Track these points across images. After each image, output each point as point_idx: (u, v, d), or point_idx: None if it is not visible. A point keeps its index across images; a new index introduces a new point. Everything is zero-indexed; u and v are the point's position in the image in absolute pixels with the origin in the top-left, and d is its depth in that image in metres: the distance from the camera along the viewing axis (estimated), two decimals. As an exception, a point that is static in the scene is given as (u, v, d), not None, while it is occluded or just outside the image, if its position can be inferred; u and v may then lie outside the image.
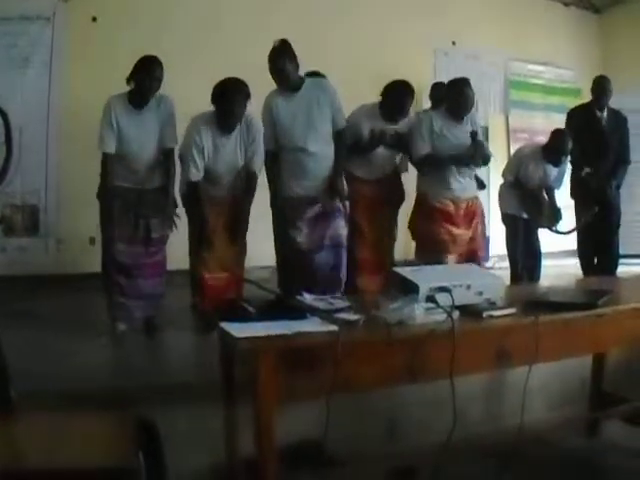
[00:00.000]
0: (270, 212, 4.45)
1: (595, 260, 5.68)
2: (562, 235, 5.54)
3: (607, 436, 2.77)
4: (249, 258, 4.44)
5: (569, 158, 5.45)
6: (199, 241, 4.22)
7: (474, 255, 4.66)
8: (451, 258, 4.58)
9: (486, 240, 4.85)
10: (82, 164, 4.85)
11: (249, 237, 4.38)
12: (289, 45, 4.14)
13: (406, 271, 2.19)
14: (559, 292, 2.58)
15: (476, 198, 4.78)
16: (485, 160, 4.67)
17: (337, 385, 1.74)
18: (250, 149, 4.24)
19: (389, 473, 2.26)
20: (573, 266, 5.96)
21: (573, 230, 5.61)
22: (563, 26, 8.41)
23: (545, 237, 5.61)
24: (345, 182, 4.39)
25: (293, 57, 4.14)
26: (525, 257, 5.31)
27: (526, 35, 7.91)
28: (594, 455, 2.66)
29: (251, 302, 2.10)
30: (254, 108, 4.28)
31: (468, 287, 2.10)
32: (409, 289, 2.05)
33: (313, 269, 4.32)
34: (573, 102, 5.90)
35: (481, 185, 5.15)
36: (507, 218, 5.36)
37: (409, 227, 4.81)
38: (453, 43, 7.66)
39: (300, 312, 2.02)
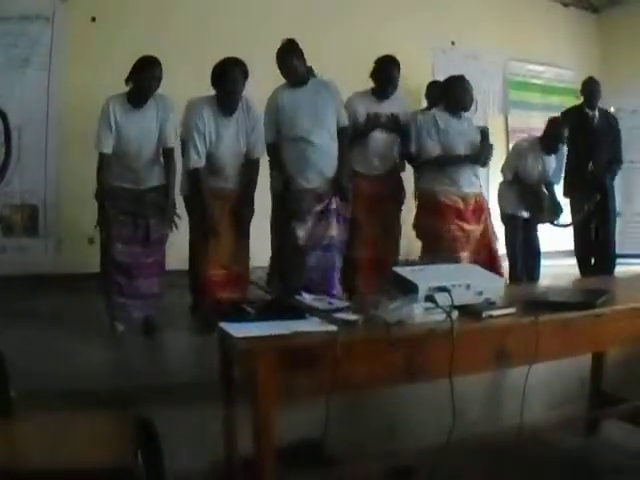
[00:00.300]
0: (270, 211, 4.46)
1: (592, 260, 5.70)
2: (562, 228, 5.55)
3: (606, 436, 2.77)
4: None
5: (565, 149, 5.47)
6: (203, 234, 4.17)
7: (489, 250, 4.66)
8: (464, 256, 4.52)
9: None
10: (81, 164, 4.83)
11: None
12: (297, 43, 4.30)
13: (405, 271, 2.19)
14: (558, 292, 2.58)
15: (481, 194, 4.80)
16: (488, 161, 4.72)
17: (336, 385, 1.74)
18: (252, 135, 4.23)
19: (388, 472, 2.26)
20: (570, 266, 5.97)
21: (575, 222, 5.63)
22: (562, 26, 8.42)
23: (543, 236, 5.62)
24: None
25: (301, 54, 4.30)
26: (525, 256, 5.32)
27: (525, 35, 7.91)
28: (593, 455, 2.66)
29: (250, 302, 2.11)
30: (254, 107, 4.31)
31: (467, 287, 2.09)
32: (408, 289, 2.05)
33: (307, 268, 4.32)
34: (572, 102, 5.93)
35: None
36: (506, 218, 5.38)
37: (414, 226, 4.77)
38: (452, 43, 7.67)
39: (299, 312, 2.02)
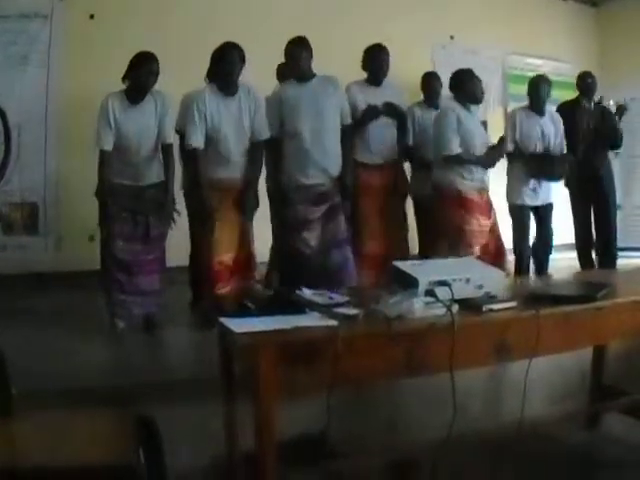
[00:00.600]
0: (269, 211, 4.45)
1: (593, 253, 5.70)
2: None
3: (607, 429, 2.77)
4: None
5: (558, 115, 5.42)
6: (201, 224, 4.13)
7: (499, 244, 4.73)
8: (476, 250, 4.58)
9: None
10: (81, 161, 4.85)
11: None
12: (308, 41, 4.33)
13: (405, 265, 2.19)
14: (559, 285, 2.58)
15: (488, 189, 4.85)
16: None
17: (337, 379, 1.74)
18: (256, 116, 4.20)
19: (389, 466, 2.26)
20: (571, 259, 5.95)
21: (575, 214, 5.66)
22: (561, 20, 8.40)
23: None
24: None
25: (309, 51, 4.32)
26: (536, 250, 5.27)
27: (524, 29, 7.88)
28: (594, 448, 2.66)
29: (251, 297, 2.11)
30: (256, 92, 4.30)
31: (467, 281, 2.09)
32: (408, 283, 2.05)
33: (326, 269, 4.25)
34: (571, 95, 5.89)
35: None
36: (514, 209, 5.26)
37: (436, 219, 4.78)
38: (451, 37, 7.66)
39: (299, 307, 2.02)
